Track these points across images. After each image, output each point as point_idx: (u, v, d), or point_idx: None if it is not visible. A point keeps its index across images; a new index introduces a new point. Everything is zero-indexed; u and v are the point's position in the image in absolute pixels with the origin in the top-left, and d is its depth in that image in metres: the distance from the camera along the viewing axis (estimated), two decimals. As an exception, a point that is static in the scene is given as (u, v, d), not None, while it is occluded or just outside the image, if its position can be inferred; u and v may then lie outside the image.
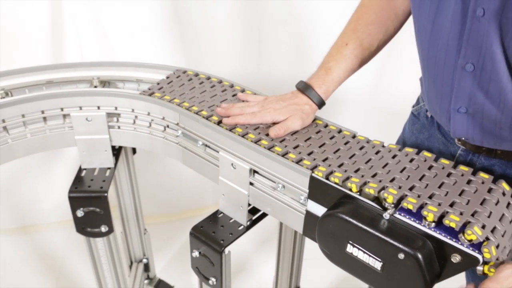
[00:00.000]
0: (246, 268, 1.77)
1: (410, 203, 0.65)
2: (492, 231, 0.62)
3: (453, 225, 0.61)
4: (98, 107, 0.97)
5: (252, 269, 1.76)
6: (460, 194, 0.68)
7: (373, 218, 0.66)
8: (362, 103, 1.86)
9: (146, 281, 1.57)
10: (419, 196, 0.67)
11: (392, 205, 0.66)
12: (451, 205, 0.65)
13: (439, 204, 0.65)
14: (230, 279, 0.93)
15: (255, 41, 1.69)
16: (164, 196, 1.98)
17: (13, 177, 1.81)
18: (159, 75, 1.04)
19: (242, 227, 0.88)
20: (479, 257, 0.59)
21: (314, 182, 0.73)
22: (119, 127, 0.99)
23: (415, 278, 0.62)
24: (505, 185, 0.70)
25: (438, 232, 0.62)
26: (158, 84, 1.00)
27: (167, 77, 1.02)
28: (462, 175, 0.72)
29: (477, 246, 0.60)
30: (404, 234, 0.63)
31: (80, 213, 0.99)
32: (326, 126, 0.87)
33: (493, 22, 0.63)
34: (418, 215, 0.65)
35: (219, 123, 0.86)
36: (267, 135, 0.83)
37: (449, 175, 0.72)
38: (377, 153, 0.79)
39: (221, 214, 0.91)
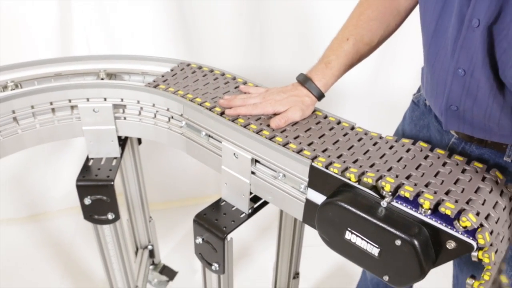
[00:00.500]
0: (247, 254, 1.77)
1: (407, 191, 0.65)
2: (486, 218, 0.62)
3: (448, 212, 0.61)
4: (105, 99, 0.96)
5: (253, 256, 1.77)
6: (455, 183, 0.68)
7: (371, 206, 0.66)
8: (360, 96, 1.85)
9: (151, 267, 1.58)
10: (415, 185, 0.66)
11: (390, 193, 0.66)
12: (447, 193, 0.65)
13: (435, 192, 0.65)
14: (232, 265, 0.93)
15: (257, 35, 1.68)
16: (168, 185, 1.99)
17: (23, 167, 1.81)
18: (164, 68, 1.04)
19: (244, 214, 0.88)
20: (473, 243, 0.59)
21: (314, 171, 0.73)
22: (125, 118, 0.99)
23: (411, 264, 0.62)
24: (498, 174, 0.70)
25: (434, 219, 0.62)
26: (162, 76, 0.99)
27: (171, 70, 1.02)
28: (457, 164, 0.72)
29: (472, 232, 0.60)
30: (401, 221, 0.63)
31: (87, 201, 0.99)
32: (325, 117, 0.87)
33: (486, 35, 0.63)
34: (414, 203, 0.64)
35: (222, 114, 0.86)
36: (269, 125, 0.82)
37: (444, 164, 0.72)
38: (374, 144, 0.78)
39: (224, 202, 0.91)
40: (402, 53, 1.70)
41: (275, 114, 0.84)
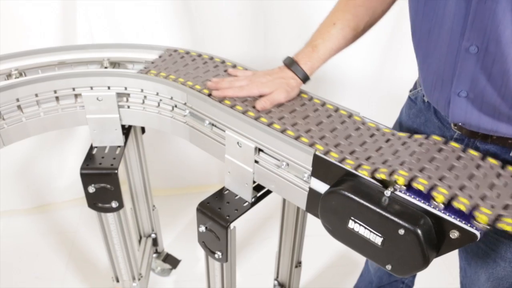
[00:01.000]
0: (250, 243, 1.77)
1: (401, 175, 0.65)
2: (505, 208, 0.61)
3: (462, 208, 0.60)
4: (109, 87, 0.96)
5: (256, 245, 1.77)
6: (450, 169, 0.67)
7: (374, 195, 0.65)
8: (366, 89, 1.84)
9: (154, 255, 1.59)
10: (410, 169, 0.66)
11: (404, 187, 0.65)
12: (441, 178, 0.65)
13: (429, 177, 0.65)
14: (235, 253, 0.93)
15: (261, 25, 1.67)
16: (171, 174, 1.99)
17: (27, 158, 1.81)
18: (167, 57, 1.03)
19: (247, 203, 0.88)
20: (477, 233, 0.59)
21: (317, 160, 0.72)
22: (128, 107, 0.99)
23: (415, 253, 0.61)
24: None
25: (437, 209, 0.62)
26: (152, 63, 0.99)
27: (160, 56, 1.02)
28: (453, 151, 0.72)
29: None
30: (404, 210, 0.63)
31: (91, 189, 0.99)
32: (337, 110, 0.86)
33: (503, 1, 0.61)
34: (412, 190, 0.64)
35: (209, 95, 0.87)
36: (254, 107, 0.82)
37: (440, 150, 0.72)
38: (371, 135, 0.78)
39: (227, 191, 0.91)
40: (408, 46, 1.69)
41: (261, 96, 0.85)
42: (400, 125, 0.97)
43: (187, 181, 2.02)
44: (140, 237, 1.51)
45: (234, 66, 0.98)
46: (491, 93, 0.69)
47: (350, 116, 0.83)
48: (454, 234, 0.61)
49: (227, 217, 0.85)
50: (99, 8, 1.56)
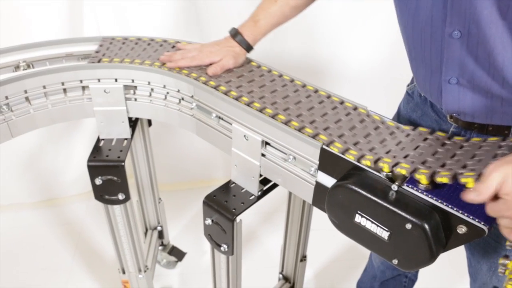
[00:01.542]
0: (255, 237, 1.78)
1: (404, 168, 0.64)
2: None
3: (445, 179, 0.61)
4: (116, 80, 0.95)
5: (261, 238, 1.77)
6: (452, 157, 0.68)
7: (381, 189, 0.65)
8: (375, 83, 1.83)
9: (160, 248, 1.59)
10: (413, 162, 0.66)
11: (401, 176, 0.65)
12: (443, 165, 0.65)
13: (429, 167, 0.65)
14: (241, 246, 0.93)
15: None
16: (177, 167, 1.99)
17: (35, 151, 1.82)
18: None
19: (253, 196, 0.88)
20: (485, 228, 0.58)
21: (324, 154, 0.71)
22: (135, 99, 0.98)
23: (421, 248, 0.61)
24: None
25: (445, 203, 0.61)
26: (97, 52, 1.00)
27: (101, 45, 1.03)
28: (455, 143, 0.72)
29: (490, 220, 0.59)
30: (411, 205, 0.62)
31: (98, 181, 0.99)
32: (342, 102, 0.85)
33: None
34: (411, 181, 0.64)
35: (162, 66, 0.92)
36: (273, 104, 0.83)
37: (443, 144, 0.72)
38: (376, 128, 0.78)
39: (233, 184, 0.91)
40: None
41: (211, 64, 0.93)
42: (398, 119, 0.97)
43: (192, 175, 2.02)
44: (146, 230, 1.52)
45: (177, 42, 1.06)
46: (481, 75, 0.69)
47: (355, 108, 0.83)
48: (462, 229, 0.60)
49: (234, 210, 0.85)
50: (107, 7, 1.56)
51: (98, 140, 1.03)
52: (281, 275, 1.34)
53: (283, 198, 1.14)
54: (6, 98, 0.89)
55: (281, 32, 1.69)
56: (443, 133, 0.76)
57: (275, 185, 0.89)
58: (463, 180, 0.60)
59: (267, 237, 1.78)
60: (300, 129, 0.75)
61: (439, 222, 0.61)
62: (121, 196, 1.03)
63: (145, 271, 1.25)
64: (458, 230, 0.61)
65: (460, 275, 1.02)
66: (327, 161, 0.72)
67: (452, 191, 0.63)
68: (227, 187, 0.90)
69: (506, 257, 0.61)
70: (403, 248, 0.64)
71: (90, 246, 1.73)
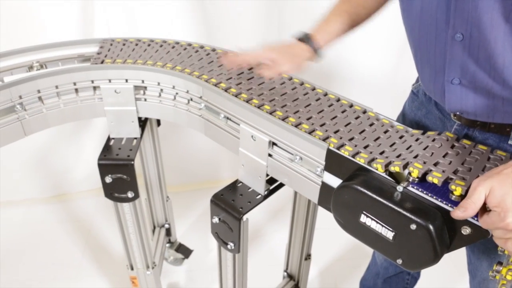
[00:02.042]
0: (261, 235, 1.78)
1: (416, 168, 0.64)
2: None
3: (458, 191, 0.60)
4: (126, 80, 0.96)
5: (266, 237, 1.77)
6: (463, 163, 0.67)
7: (387, 190, 0.65)
8: (383, 86, 1.82)
9: (167, 245, 1.60)
10: (425, 163, 0.66)
11: (408, 176, 0.64)
12: (455, 172, 0.65)
13: (443, 171, 0.64)
14: (247, 244, 0.93)
15: (275, 21, 1.66)
16: (183, 169, 1.99)
17: (46, 148, 1.83)
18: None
19: (260, 196, 0.88)
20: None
21: (331, 155, 0.72)
22: (145, 100, 0.99)
23: (426, 248, 0.61)
24: None
25: (450, 205, 0.61)
26: (99, 54, 1.00)
27: (101, 47, 1.03)
28: (465, 147, 0.72)
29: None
30: (416, 206, 0.62)
31: (108, 179, 1.00)
32: (351, 106, 0.85)
33: None
34: (429, 186, 0.63)
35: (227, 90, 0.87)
36: (283, 107, 0.82)
37: (452, 147, 0.72)
38: (385, 131, 0.78)
39: (240, 184, 0.91)
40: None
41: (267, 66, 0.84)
42: (403, 118, 0.98)
43: (198, 176, 2.02)
44: (154, 227, 1.52)
45: (177, 43, 1.05)
46: (482, 77, 0.69)
47: (364, 112, 0.83)
48: (466, 230, 0.60)
49: (240, 209, 0.85)
50: (117, 7, 1.57)
51: (109, 139, 1.03)
52: (285, 273, 1.34)
53: (288, 197, 1.14)
54: (20, 97, 0.90)
55: (288, 34, 1.70)
56: (451, 134, 0.76)
57: (281, 185, 0.89)
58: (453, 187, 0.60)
59: (272, 235, 1.78)
60: (310, 132, 0.75)
61: (443, 222, 0.61)
62: (130, 194, 1.03)
63: (152, 268, 1.26)
64: (462, 231, 0.61)
65: (461, 274, 1.01)
66: (333, 162, 0.72)
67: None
68: (234, 186, 0.90)
69: (500, 263, 0.61)
70: (408, 248, 0.63)
71: (99, 242, 1.74)
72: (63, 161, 1.89)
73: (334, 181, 0.73)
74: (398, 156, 0.69)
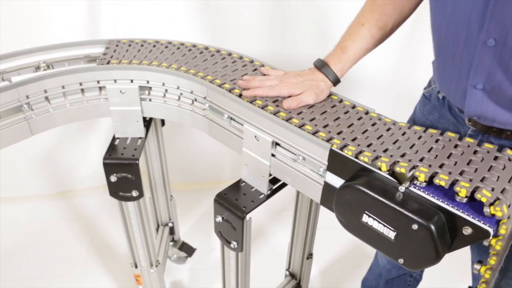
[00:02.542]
0: (263, 234, 1.78)
1: (422, 172, 0.63)
2: (502, 191, 0.60)
3: (484, 200, 0.59)
4: (132, 81, 0.96)
5: (269, 236, 1.77)
6: (468, 163, 0.66)
7: (389, 190, 0.64)
8: (385, 88, 1.82)
9: (171, 243, 1.60)
10: (430, 166, 0.65)
11: (425, 183, 0.64)
12: (461, 173, 0.64)
13: (449, 173, 0.64)
14: (250, 243, 0.93)
15: (279, 23, 1.66)
16: (186, 169, 1.99)
17: (53, 146, 1.84)
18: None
19: (262, 195, 0.88)
20: (490, 230, 0.58)
21: (333, 155, 0.71)
22: (150, 100, 0.99)
23: (427, 248, 0.61)
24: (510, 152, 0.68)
25: (451, 205, 0.61)
26: (105, 54, 1.00)
27: (107, 48, 1.03)
28: (468, 146, 0.71)
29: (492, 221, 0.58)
30: (418, 206, 0.62)
31: (113, 178, 1.00)
32: (354, 107, 0.85)
33: None
34: (433, 188, 0.63)
35: (240, 96, 0.86)
36: (278, 106, 0.82)
37: (456, 146, 0.71)
38: (388, 129, 0.77)
39: (244, 183, 0.91)
40: (425, 45, 1.66)
41: (290, 97, 0.84)
42: (413, 122, 0.96)
43: (201, 176, 2.03)
44: (158, 226, 1.52)
45: (183, 43, 1.04)
46: (508, 86, 0.68)
47: (366, 112, 0.83)
48: (467, 231, 0.60)
49: (244, 208, 0.85)
50: (123, 8, 1.57)
51: (114, 139, 1.04)
52: (287, 272, 1.34)
53: (291, 197, 1.14)
54: (27, 97, 0.90)
55: (292, 36, 1.70)
56: (453, 133, 0.75)
57: (284, 185, 0.89)
58: (479, 196, 0.59)
59: (274, 234, 1.78)
60: (314, 133, 0.75)
61: (445, 223, 0.61)
62: (134, 193, 1.04)
63: (156, 266, 1.26)
64: (463, 231, 0.60)
65: (462, 276, 1.01)
66: (336, 162, 0.72)
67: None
68: (237, 186, 0.90)
69: (480, 262, 0.61)
70: (409, 248, 0.63)
71: (104, 240, 1.74)
72: (69, 160, 1.90)
73: (337, 181, 0.73)
74: (402, 156, 0.69)
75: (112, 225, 1.79)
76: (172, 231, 1.56)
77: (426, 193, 0.63)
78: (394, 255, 0.66)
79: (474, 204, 0.60)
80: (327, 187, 0.75)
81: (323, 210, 0.87)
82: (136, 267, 1.25)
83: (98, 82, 0.96)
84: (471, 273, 0.93)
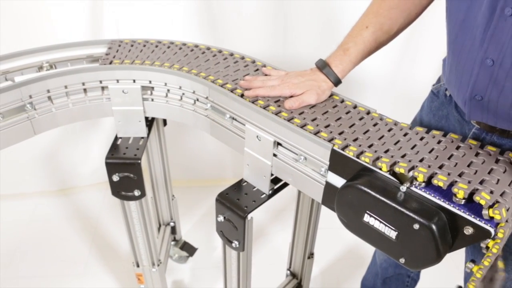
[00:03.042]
0: (264, 234, 1.78)
1: (421, 172, 0.63)
2: (502, 195, 0.60)
3: (483, 202, 0.58)
4: (134, 81, 0.96)
5: (270, 236, 1.77)
6: (468, 165, 0.66)
7: (390, 190, 0.64)
8: (384, 87, 1.82)
9: (172, 243, 1.60)
10: (429, 166, 0.65)
11: (423, 183, 0.64)
12: (460, 175, 0.64)
13: (448, 174, 0.64)
14: (252, 243, 0.93)
15: (281, 25, 1.66)
16: (188, 167, 2.00)
17: (56, 144, 1.85)
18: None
19: (264, 195, 0.88)
20: (491, 230, 0.58)
21: (335, 155, 0.71)
22: (152, 100, 0.99)
23: (428, 248, 0.61)
24: None
25: (452, 205, 0.61)
26: (107, 54, 1.00)
27: (110, 48, 1.04)
28: (471, 148, 0.71)
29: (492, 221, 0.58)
30: (419, 206, 0.62)
31: (115, 177, 1.00)
32: (355, 107, 0.85)
33: None
34: (434, 188, 0.63)
35: (242, 96, 0.86)
36: (280, 106, 0.82)
37: (458, 148, 0.71)
38: (390, 130, 0.77)
39: (245, 183, 0.91)
40: (425, 45, 1.66)
41: (291, 97, 0.84)
42: (421, 118, 0.95)
43: (203, 174, 2.03)
44: (160, 225, 1.52)
45: (184, 43, 1.05)
46: (504, 103, 0.68)
47: (368, 112, 0.83)
48: (468, 231, 0.60)
49: (245, 208, 0.85)
50: (126, 8, 1.57)
51: (116, 139, 1.04)
52: (288, 271, 1.34)
53: (292, 197, 1.14)
54: (30, 97, 0.90)
55: (294, 37, 1.70)
56: (456, 135, 0.75)
57: (286, 184, 0.89)
58: (478, 198, 0.59)
59: (276, 234, 1.78)
60: (316, 133, 0.75)
61: (446, 223, 0.61)
62: (137, 193, 1.04)
63: (158, 265, 1.26)
64: (464, 231, 0.60)
65: (462, 276, 1.01)
66: (337, 162, 0.72)
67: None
68: (239, 186, 0.90)
69: (473, 261, 0.61)
70: (410, 248, 0.63)
71: (105, 239, 1.74)
72: (71, 158, 1.90)
73: (338, 181, 0.73)
74: (403, 156, 0.69)
75: (114, 224, 1.79)
76: (173, 230, 1.56)
77: (428, 193, 0.63)
78: (395, 255, 0.66)
79: (473, 206, 0.60)
80: (328, 187, 0.75)
81: (324, 210, 0.87)
82: (138, 266, 1.25)
83: (101, 82, 0.96)
84: (464, 278, 0.93)
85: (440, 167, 0.66)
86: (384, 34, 0.85)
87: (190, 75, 0.92)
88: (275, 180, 0.88)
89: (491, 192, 0.60)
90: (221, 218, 0.89)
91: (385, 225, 0.64)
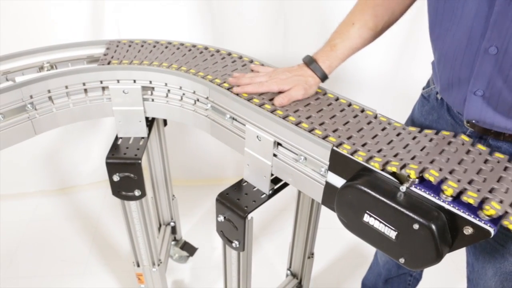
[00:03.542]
0: (264, 234, 1.78)
1: (432, 175, 0.63)
2: (491, 191, 0.60)
3: (471, 201, 0.59)
4: (134, 81, 0.96)
5: (270, 235, 1.77)
6: (477, 172, 0.66)
7: (390, 190, 0.64)
8: (382, 88, 1.82)
9: (173, 243, 1.60)
10: (420, 163, 0.66)
11: (416, 180, 0.64)
12: (451, 172, 0.64)
13: (440, 170, 0.64)
14: (252, 243, 0.93)
15: (281, 25, 1.66)
16: (188, 166, 2.00)
17: (56, 144, 1.85)
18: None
19: (264, 195, 0.88)
20: (491, 230, 0.58)
21: (335, 155, 0.72)
22: (152, 100, 0.99)
23: (428, 248, 0.61)
24: None
25: (452, 205, 0.61)
26: (105, 55, 1.00)
27: (108, 48, 1.04)
28: (463, 144, 0.71)
29: (496, 220, 0.58)
30: (419, 206, 0.62)
31: (116, 177, 1.00)
32: (350, 105, 0.85)
33: None
34: (434, 188, 0.63)
35: (229, 89, 0.86)
36: (295, 111, 0.82)
37: (449, 143, 0.71)
38: (383, 129, 0.77)
39: (245, 183, 0.91)
40: (424, 45, 1.66)
41: (280, 92, 0.85)
42: (412, 122, 0.96)
43: (203, 174, 2.03)
44: (160, 225, 1.53)
45: (182, 44, 1.05)
46: (507, 93, 0.68)
47: (362, 110, 0.83)
48: (468, 231, 0.60)
49: (245, 208, 0.85)
50: (127, 7, 1.57)
51: (116, 139, 1.04)
52: (289, 271, 1.34)
53: (292, 197, 1.14)
54: (31, 97, 0.90)
55: (294, 36, 1.70)
56: (448, 132, 0.75)
57: (286, 184, 0.89)
58: (465, 198, 0.59)
59: (276, 234, 1.78)
60: (310, 131, 0.75)
61: (445, 222, 0.61)
62: (137, 193, 1.04)
63: (158, 265, 1.26)
64: (464, 231, 0.60)
65: (462, 276, 1.01)
66: (337, 162, 0.72)
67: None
68: (239, 186, 0.91)
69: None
70: (410, 248, 0.63)
71: (106, 238, 1.74)
72: (71, 157, 1.91)
73: (338, 181, 0.73)
74: (395, 156, 0.69)
75: (115, 224, 1.79)
76: (174, 230, 1.56)
77: (427, 193, 0.63)
78: (395, 255, 0.66)
79: (473, 206, 0.60)
80: (328, 187, 0.75)
81: (324, 210, 0.87)
82: (138, 266, 1.25)
83: (101, 82, 0.96)
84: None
85: (431, 162, 0.66)
86: (369, 31, 0.86)
87: (190, 75, 0.92)
88: (275, 180, 0.88)
89: (478, 190, 0.61)
90: (221, 218, 0.89)
91: (385, 225, 0.65)
